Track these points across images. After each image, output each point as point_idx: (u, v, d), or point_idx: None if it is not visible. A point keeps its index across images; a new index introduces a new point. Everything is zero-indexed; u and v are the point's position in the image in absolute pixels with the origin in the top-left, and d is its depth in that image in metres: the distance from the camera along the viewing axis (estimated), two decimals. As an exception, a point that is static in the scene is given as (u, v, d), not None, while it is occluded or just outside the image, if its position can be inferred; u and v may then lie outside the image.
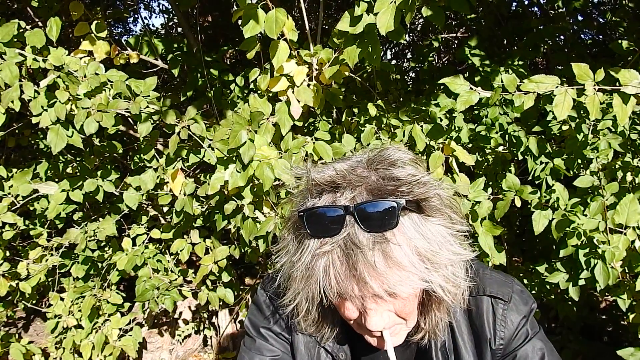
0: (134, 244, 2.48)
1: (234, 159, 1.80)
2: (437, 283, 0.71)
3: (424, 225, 0.70)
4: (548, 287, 2.11)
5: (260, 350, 0.95)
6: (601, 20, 3.14)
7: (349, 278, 0.68)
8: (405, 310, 0.75)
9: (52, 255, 2.44)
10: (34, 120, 1.90)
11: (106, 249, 2.60)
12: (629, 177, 1.82)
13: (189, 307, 3.16)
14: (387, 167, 0.72)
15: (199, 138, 1.99)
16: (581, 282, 1.91)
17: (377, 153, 0.75)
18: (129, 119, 2.22)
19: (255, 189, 1.83)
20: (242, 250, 2.36)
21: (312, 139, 1.89)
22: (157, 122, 1.99)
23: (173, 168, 2.08)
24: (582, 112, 1.82)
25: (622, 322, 2.90)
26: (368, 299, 0.71)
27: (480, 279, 0.88)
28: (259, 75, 2.01)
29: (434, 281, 0.70)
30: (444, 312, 0.82)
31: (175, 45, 2.76)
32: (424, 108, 2.11)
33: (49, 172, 2.53)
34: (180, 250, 2.37)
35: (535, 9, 3.23)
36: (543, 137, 2.03)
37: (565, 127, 1.96)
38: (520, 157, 2.07)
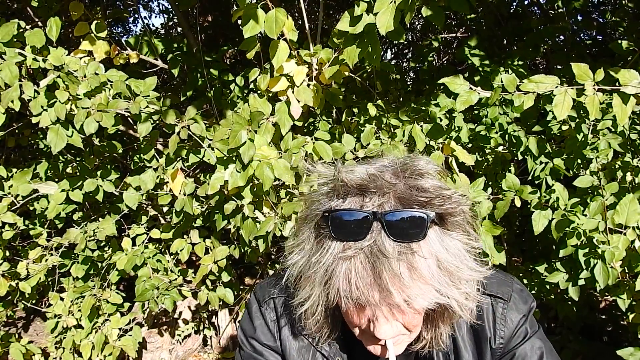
0: (134, 244, 2.48)
1: (233, 159, 1.80)
2: (455, 298, 0.70)
3: (446, 239, 0.70)
4: (548, 287, 2.12)
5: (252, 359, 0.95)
6: (601, 20, 3.14)
7: (371, 285, 0.66)
8: (413, 322, 0.75)
9: (52, 255, 2.44)
10: (34, 120, 1.90)
11: (106, 249, 2.60)
12: (628, 177, 1.82)
13: (189, 307, 3.16)
14: (417, 177, 0.70)
15: (198, 138, 1.99)
16: (581, 282, 1.91)
17: (407, 161, 0.73)
18: (129, 119, 2.22)
19: (255, 189, 1.83)
20: (242, 250, 2.36)
21: (312, 139, 1.89)
22: (157, 122, 1.99)
23: (173, 168, 2.08)
24: (581, 112, 1.82)
25: (622, 322, 2.90)
26: (383, 307, 0.69)
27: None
28: (259, 75, 2.01)
29: (453, 296, 0.69)
30: (448, 325, 0.81)
31: (175, 45, 2.76)
32: (423, 108, 2.11)
33: (48, 172, 2.53)
34: (180, 250, 2.37)
35: (535, 9, 3.23)
36: (543, 137, 2.03)
37: (565, 127, 1.96)
38: (520, 157, 2.07)
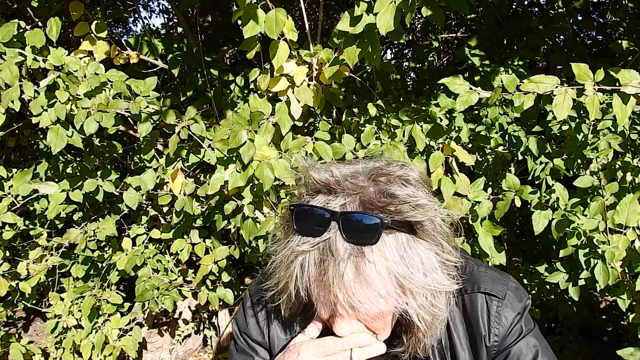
0: (134, 244, 2.48)
1: (234, 159, 1.80)
2: (412, 309, 0.71)
3: (411, 248, 0.70)
4: (548, 287, 2.12)
5: (245, 354, 0.98)
6: (601, 20, 3.14)
7: (317, 282, 0.69)
8: (375, 326, 0.76)
9: (52, 255, 2.44)
10: (34, 120, 1.90)
11: (106, 249, 2.60)
12: (628, 177, 1.82)
13: (189, 307, 3.16)
14: (388, 182, 0.71)
15: (199, 138, 1.99)
16: (581, 282, 1.91)
17: (383, 165, 0.75)
18: (129, 119, 2.22)
19: (255, 189, 1.83)
20: (242, 250, 2.36)
21: (312, 139, 1.89)
22: (157, 122, 1.99)
23: (173, 168, 2.08)
24: (582, 112, 1.82)
25: (622, 322, 2.90)
26: (339, 306, 0.71)
27: (475, 276, 0.88)
28: (259, 75, 2.01)
29: (408, 306, 0.71)
30: (427, 335, 0.81)
31: (175, 45, 2.76)
32: (424, 108, 2.11)
33: (49, 172, 2.53)
34: (180, 251, 2.37)
35: (535, 9, 3.23)
36: (543, 137, 2.03)
37: (565, 127, 1.96)
38: (520, 157, 2.07)
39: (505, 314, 0.86)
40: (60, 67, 1.92)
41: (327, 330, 0.83)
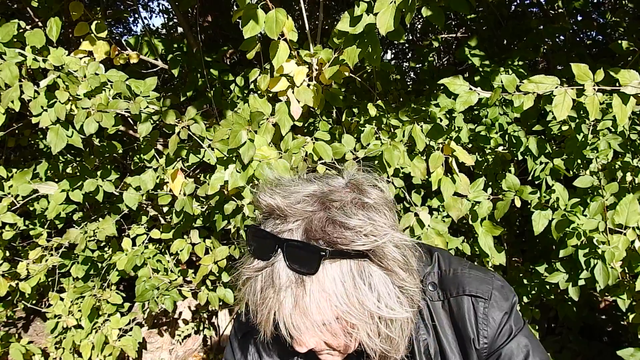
0: (134, 244, 2.48)
1: (233, 159, 1.80)
2: (359, 337, 0.71)
3: (359, 275, 0.69)
4: (548, 287, 2.12)
5: None
6: (601, 20, 3.14)
7: (259, 307, 0.70)
8: (333, 344, 0.76)
9: (52, 255, 2.44)
10: (34, 120, 1.90)
11: (106, 249, 2.60)
12: (628, 177, 1.82)
13: (189, 307, 3.16)
14: (338, 208, 0.70)
15: (198, 138, 1.99)
16: (581, 282, 1.91)
17: (337, 189, 0.74)
18: (129, 119, 2.22)
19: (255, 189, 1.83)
20: (242, 251, 2.35)
21: (312, 139, 1.89)
22: (157, 122, 1.99)
23: (173, 168, 2.08)
24: (581, 112, 1.82)
25: (622, 322, 2.90)
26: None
27: (459, 278, 0.87)
28: (259, 75, 2.01)
29: (354, 335, 0.71)
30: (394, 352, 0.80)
31: (175, 46, 2.76)
32: (423, 108, 2.11)
33: (48, 172, 2.53)
34: (180, 251, 2.37)
35: (536, 9, 3.23)
36: (543, 137, 2.03)
37: (565, 127, 1.96)
38: (520, 157, 2.07)
39: (493, 315, 0.84)
40: (60, 67, 1.92)
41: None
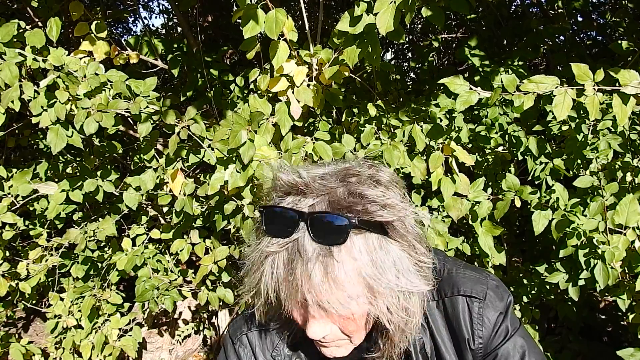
0: (134, 244, 2.48)
1: (233, 159, 1.80)
2: (382, 311, 0.71)
3: (382, 248, 0.70)
4: (548, 287, 2.11)
5: None
6: (601, 20, 3.14)
7: (287, 283, 0.68)
8: (348, 328, 0.75)
9: (52, 255, 2.44)
10: (34, 120, 1.90)
11: (106, 249, 2.60)
12: (628, 178, 1.82)
13: (189, 307, 3.16)
14: (357, 182, 0.71)
15: (198, 138, 1.99)
16: (581, 283, 1.91)
17: (352, 166, 0.75)
18: (129, 119, 2.22)
19: (255, 189, 1.83)
20: (242, 251, 2.35)
21: (312, 139, 1.89)
22: (157, 122, 1.99)
23: (173, 168, 2.08)
24: (581, 113, 1.82)
25: (622, 322, 2.90)
26: (309, 307, 0.71)
27: (454, 278, 0.87)
28: (259, 75, 2.01)
29: (377, 309, 0.71)
30: (400, 339, 0.81)
31: (175, 46, 2.76)
32: (423, 108, 2.11)
33: (48, 172, 2.53)
34: (180, 251, 2.37)
35: (536, 9, 3.23)
36: (543, 137, 2.03)
37: (565, 128, 1.96)
38: (520, 157, 2.07)
39: (488, 315, 0.84)
40: (60, 67, 1.92)
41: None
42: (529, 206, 1.89)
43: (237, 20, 1.77)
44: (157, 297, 2.31)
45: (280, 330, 0.90)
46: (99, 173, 2.20)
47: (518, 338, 0.85)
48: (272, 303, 0.76)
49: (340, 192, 0.70)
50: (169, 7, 4.25)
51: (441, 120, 2.08)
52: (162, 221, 2.61)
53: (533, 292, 2.20)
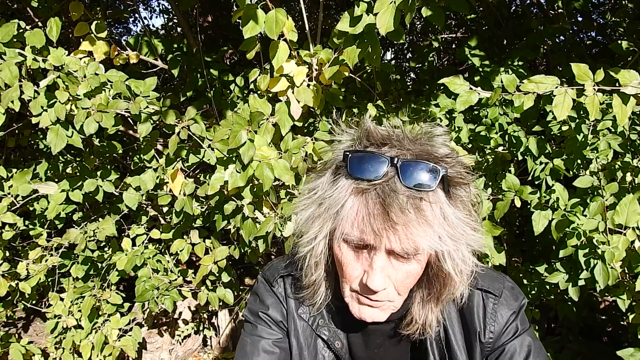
0: (134, 244, 2.48)
1: (233, 159, 1.80)
2: (453, 254, 0.74)
3: (457, 202, 0.74)
4: (548, 287, 2.11)
5: (261, 335, 0.94)
6: (601, 20, 3.14)
7: (378, 216, 0.69)
8: (405, 282, 0.77)
9: (51, 255, 2.44)
10: (34, 120, 1.90)
11: (106, 249, 2.60)
12: (628, 178, 1.82)
13: (189, 308, 3.16)
14: (432, 144, 0.75)
15: (198, 138, 1.99)
16: (581, 283, 1.91)
17: (425, 129, 0.78)
18: (129, 119, 2.22)
19: (255, 189, 1.83)
20: (242, 251, 2.36)
21: (312, 139, 1.89)
22: (157, 122, 1.99)
23: (173, 168, 2.08)
24: (581, 113, 1.82)
25: (622, 323, 2.90)
26: (382, 252, 0.72)
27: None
28: (259, 75, 2.01)
29: (450, 249, 0.73)
30: (440, 307, 0.84)
31: (175, 46, 2.76)
32: (423, 108, 2.11)
33: (48, 172, 2.53)
34: (180, 251, 2.37)
35: (536, 9, 3.23)
36: (543, 137, 2.03)
37: (565, 128, 1.96)
38: (520, 157, 2.07)
39: (501, 312, 0.87)
40: (60, 67, 1.92)
41: (348, 324, 0.84)
42: (529, 206, 1.89)
43: (237, 20, 1.77)
44: (157, 297, 2.31)
45: (313, 291, 0.90)
46: (99, 173, 2.20)
47: (526, 337, 0.87)
48: (327, 262, 0.79)
49: (419, 148, 0.74)
50: (169, 7, 4.25)
51: (441, 121, 2.07)
52: (162, 221, 2.61)
53: (533, 292, 2.20)
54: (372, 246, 0.72)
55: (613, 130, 1.85)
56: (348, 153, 0.73)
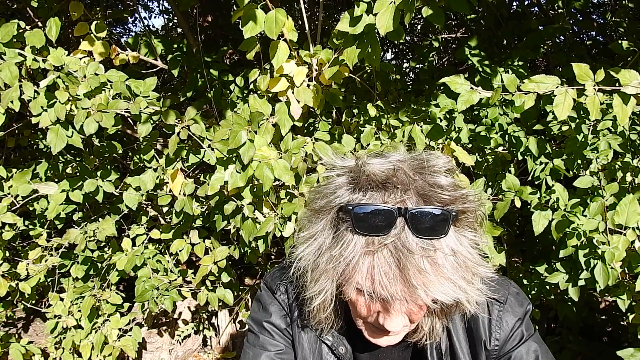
0: (134, 244, 2.48)
1: (233, 159, 1.80)
2: (471, 295, 0.71)
3: (460, 236, 0.70)
4: (548, 287, 2.11)
5: (264, 346, 0.94)
6: (601, 20, 3.14)
7: (396, 281, 0.66)
8: (419, 316, 0.76)
9: (51, 255, 2.44)
10: (34, 120, 1.90)
11: (106, 249, 2.60)
12: (628, 178, 1.82)
13: (189, 308, 3.16)
14: (434, 174, 0.70)
15: (198, 138, 1.99)
16: (581, 283, 1.91)
17: (423, 157, 0.73)
18: (129, 119, 2.21)
19: (255, 190, 1.83)
20: (242, 251, 2.36)
21: (311, 140, 1.89)
22: (157, 122, 1.99)
23: (173, 168, 2.08)
24: (582, 113, 1.82)
25: (622, 323, 2.90)
26: (397, 301, 0.69)
27: None
28: (259, 75, 2.01)
29: (467, 291, 0.70)
30: (445, 317, 0.83)
31: (175, 46, 2.76)
32: (423, 108, 2.11)
33: (48, 172, 2.53)
34: (180, 251, 2.37)
35: (535, 9, 3.23)
36: (543, 137, 2.03)
37: (565, 128, 1.96)
38: (520, 158, 2.07)
39: (507, 319, 0.86)
40: (60, 68, 1.92)
41: (354, 329, 0.83)
42: (529, 206, 1.89)
43: (237, 20, 1.77)
44: (157, 297, 2.31)
45: (320, 323, 0.89)
46: (99, 173, 2.20)
47: (532, 343, 0.87)
48: (331, 301, 0.76)
49: (421, 184, 0.69)
50: (169, 7, 4.24)
51: (441, 121, 2.07)
52: (162, 221, 2.61)
53: (533, 292, 2.20)
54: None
55: (613, 130, 1.85)
56: (350, 207, 0.68)
